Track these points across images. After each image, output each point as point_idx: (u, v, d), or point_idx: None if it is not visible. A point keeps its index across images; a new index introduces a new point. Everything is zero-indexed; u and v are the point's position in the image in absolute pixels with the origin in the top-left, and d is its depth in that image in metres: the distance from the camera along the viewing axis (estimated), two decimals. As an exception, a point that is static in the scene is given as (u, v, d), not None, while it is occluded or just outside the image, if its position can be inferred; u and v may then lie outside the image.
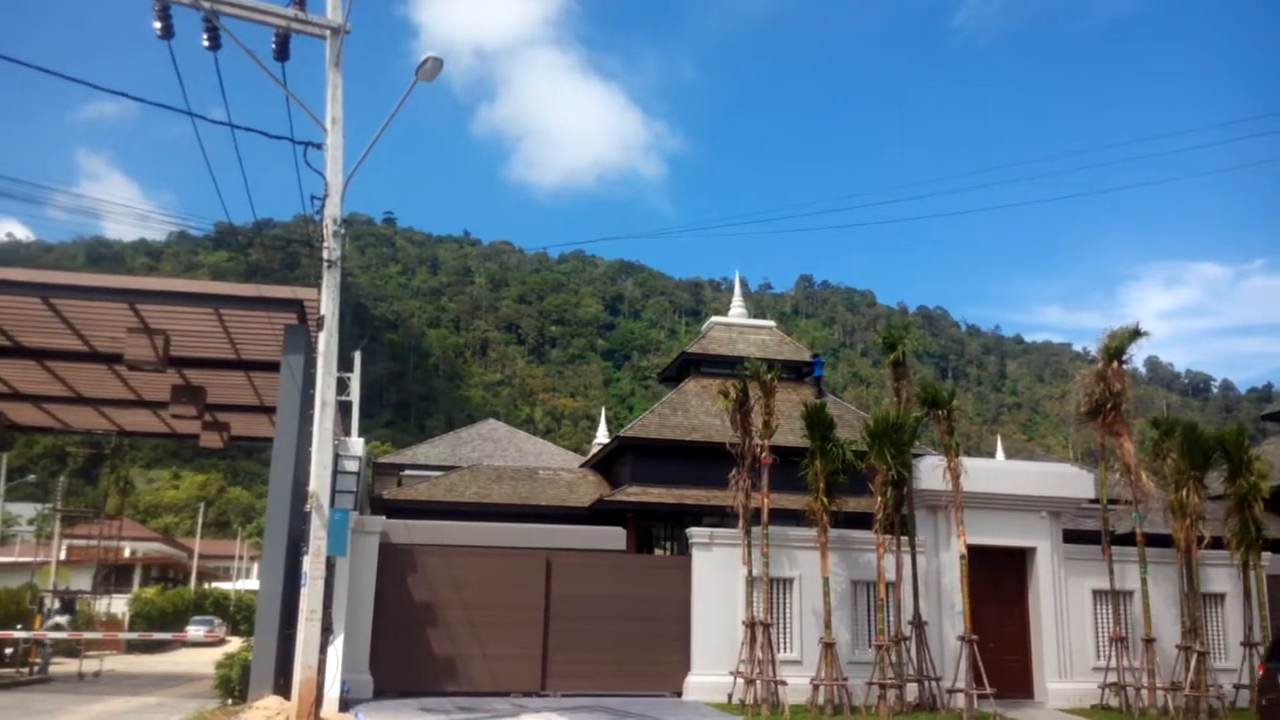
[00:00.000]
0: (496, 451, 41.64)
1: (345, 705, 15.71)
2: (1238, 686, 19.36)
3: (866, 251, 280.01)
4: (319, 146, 14.53)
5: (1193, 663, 18.54)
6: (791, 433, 23.55)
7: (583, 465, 36.93)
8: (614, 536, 21.42)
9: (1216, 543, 20.10)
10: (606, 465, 33.31)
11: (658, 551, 28.91)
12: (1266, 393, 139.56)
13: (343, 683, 15.93)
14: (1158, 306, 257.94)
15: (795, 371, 32.96)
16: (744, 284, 40.60)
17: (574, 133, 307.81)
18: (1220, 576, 20.90)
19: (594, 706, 16.91)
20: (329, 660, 15.21)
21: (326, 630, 14.87)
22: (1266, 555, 20.43)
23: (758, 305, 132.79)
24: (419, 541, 19.09)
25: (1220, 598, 21.00)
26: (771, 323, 37.46)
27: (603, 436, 46.48)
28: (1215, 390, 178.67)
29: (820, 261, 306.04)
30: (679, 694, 18.59)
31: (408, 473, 37.24)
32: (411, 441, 60.85)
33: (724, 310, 37.96)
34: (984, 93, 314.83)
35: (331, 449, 14.70)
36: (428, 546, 18.96)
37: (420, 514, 24.57)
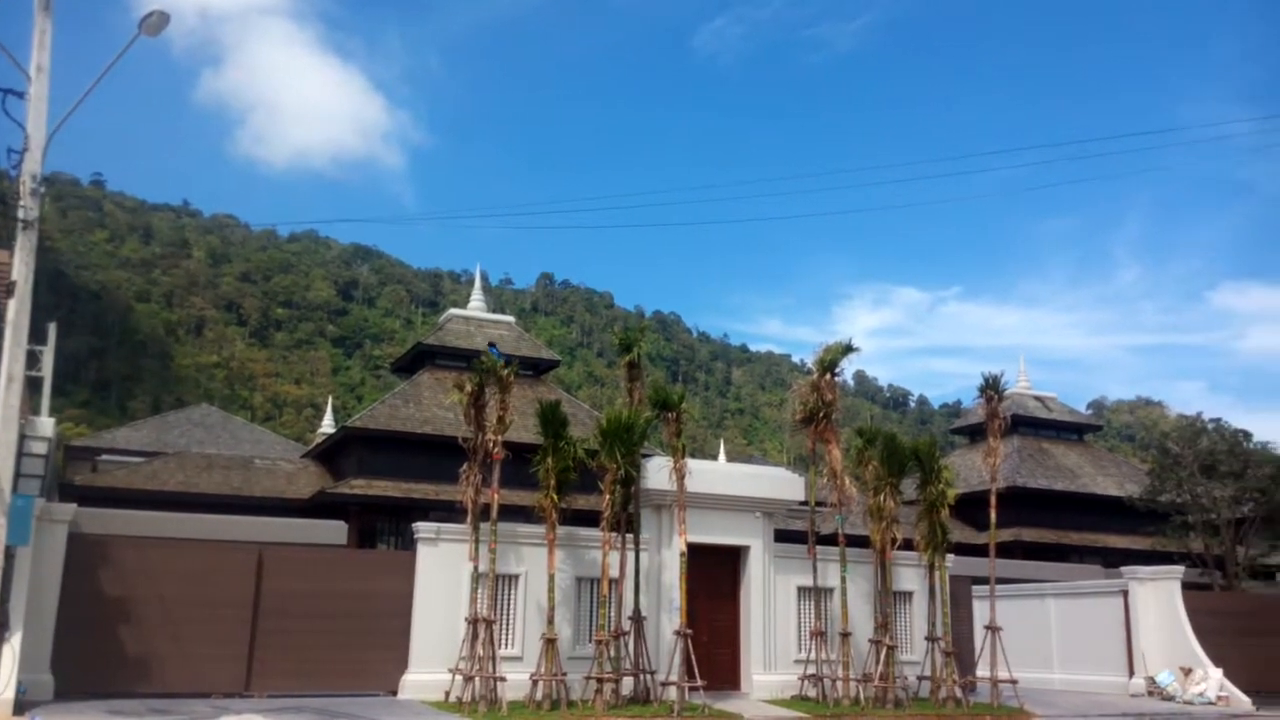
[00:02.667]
0: (209, 438, 39.42)
1: (21, 708, 14.29)
2: (921, 678, 21.13)
3: (607, 254, 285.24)
4: (21, 95, 13.53)
5: (882, 655, 20.07)
6: (526, 429, 23.63)
7: (304, 456, 35.62)
8: (334, 531, 20.77)
9: (908, 544, 21.80)
10: (331, 456, 32.21)
11: (381, 546, 28.21)
12: (956, 408, 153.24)
13: (18, 684, 14.50)
14: (866, 325, 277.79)
15: (533, 368, 33.16)
16: (485, 278, 40.33)
17: (309, 111, 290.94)
18: (909, 576, 22.74)
19: (301, 707, 16.21)
20: (3, 659, 13.91)
21: (3, 626, 13.58)
22: (950, 557, 22.35)
23: (498, 300, 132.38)
24: (114, 532, 17.73)
25: (909, 595, 22.86)
26: (510, 318, 37.55)
27: (329, 426, 44.99)
28: (913, 404, 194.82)
29: (562, 261, 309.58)
30: (395, 693, 18.17)
31: (105, 458, 34.51)
32: (111, 424, 56.37)
33: (463, 303, 37.58)
34: (724, 110, 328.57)
35: (17, 428, 13.49)
36: (124, 538, 17.62)
37: (118, 503, 23.03)
